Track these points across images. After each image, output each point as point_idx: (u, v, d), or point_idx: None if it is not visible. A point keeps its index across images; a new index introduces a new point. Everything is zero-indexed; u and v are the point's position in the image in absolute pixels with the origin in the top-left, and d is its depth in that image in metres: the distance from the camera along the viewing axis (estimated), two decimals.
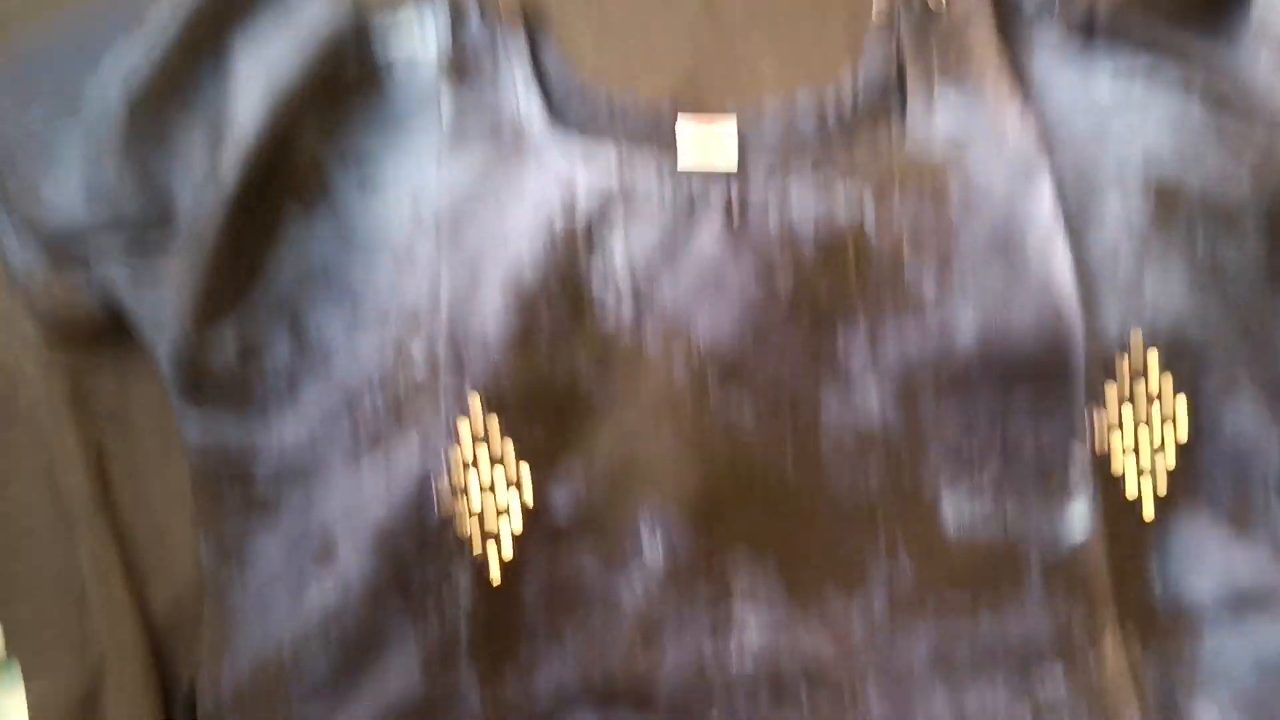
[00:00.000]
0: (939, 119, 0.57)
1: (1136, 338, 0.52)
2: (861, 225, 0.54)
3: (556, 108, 0.59)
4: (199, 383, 0.53)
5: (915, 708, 0.51)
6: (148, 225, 0.54)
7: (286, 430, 0.53)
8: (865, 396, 0.53)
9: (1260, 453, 0.53)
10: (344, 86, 0.57)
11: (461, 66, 0.58)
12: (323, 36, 0.55)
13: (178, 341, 0.53)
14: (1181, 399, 0.53)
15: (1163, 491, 0.53)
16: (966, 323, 0.52)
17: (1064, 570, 0.52)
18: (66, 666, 0.54)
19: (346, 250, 0.56)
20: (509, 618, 0.51)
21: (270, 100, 0.54)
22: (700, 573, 0.52)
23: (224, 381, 0.54)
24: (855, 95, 0.60)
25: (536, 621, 0.52)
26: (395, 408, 0.52)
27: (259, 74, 0.55)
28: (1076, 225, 0.54)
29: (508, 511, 0.52)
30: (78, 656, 0.54)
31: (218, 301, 0.54)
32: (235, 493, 0.53)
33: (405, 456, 0.52)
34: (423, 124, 0.58)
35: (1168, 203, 0.54)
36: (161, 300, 0.54)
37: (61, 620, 0.54)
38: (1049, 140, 0.55)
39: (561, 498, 0.52)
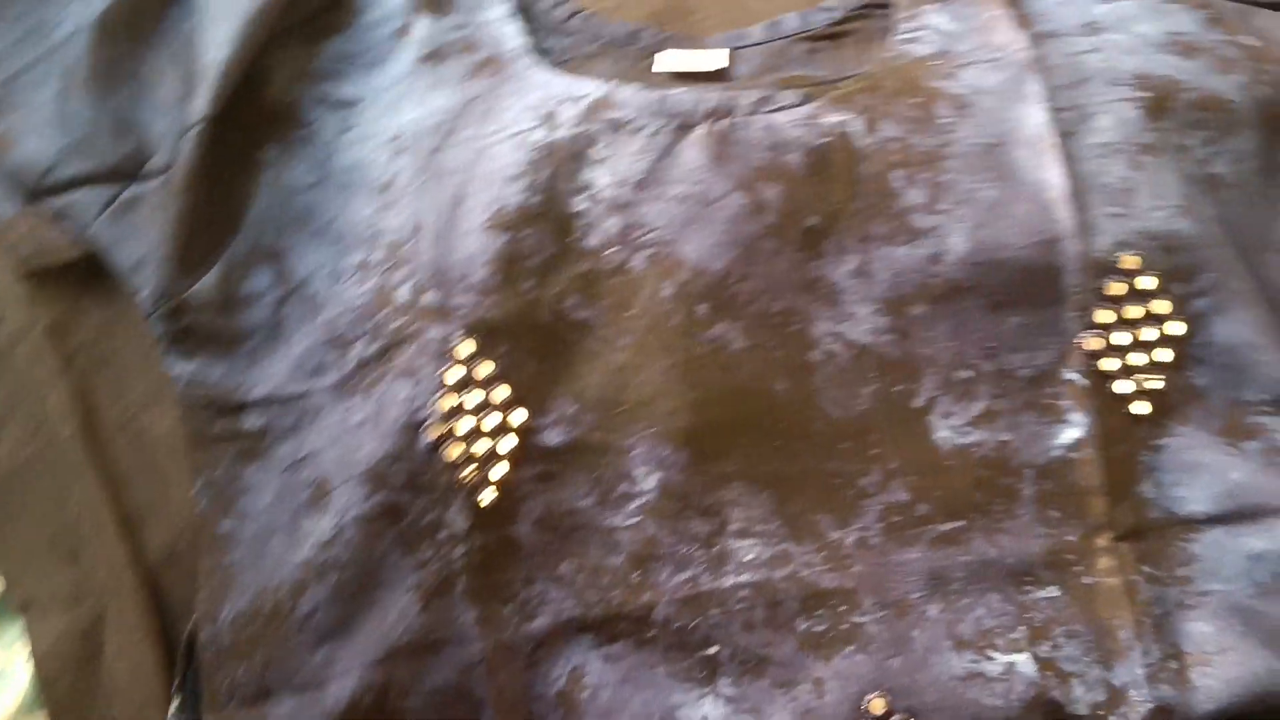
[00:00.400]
0: (927, 31, 0.56)
1: (1131, 262, 0.51)
2: (849, 134, 0.53)
3: (537, 35, 0.58)
4: (185, 329, 0.53)
5: (911, 629, 0.51)
6: (124, 168, 0.54)
7: (274, 372, 0.53)
8: (856, 317, 0.52)
9: (1254, 365, 0.52)
10: (313, 6, 0.57)
11: None
12: None
13: (162, 288, 0.53)
14: (1178, 321, 0.52)
15: (1157, 410, 0.52)
16: (957, 236, 0.51)
17: (1057, 490, 0.51)
18: (65, 611, 0.54)
19: (327, 189, 0.55)
20: (504, 554, 0.51)
21: (238, 26, 0.53)
22: (694, 507, 0.51)
23: (209, 326, 0.53)
24: (843, 16, 0.59)
25: (532, 557, 0.51)
26: (382, 346, 0.52)
27: (226, 2, 0.54)
28: (1068, 129, 0.53)
29: (499, 449, 0.51)
30: (76, 601, 0.54)
31: (199, 247, 0.54)
32: (227, 438, 0.53)
33: (393, 395, 0.51)
34: (397, 55, 0.57)
35: (1160, 105, 0.53)
36: (143, 248, 0.53)
37: (58, 566, 0.55)
38: (1040, 50, 0.54)
39: (553, 433, 0.51)
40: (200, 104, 0.52)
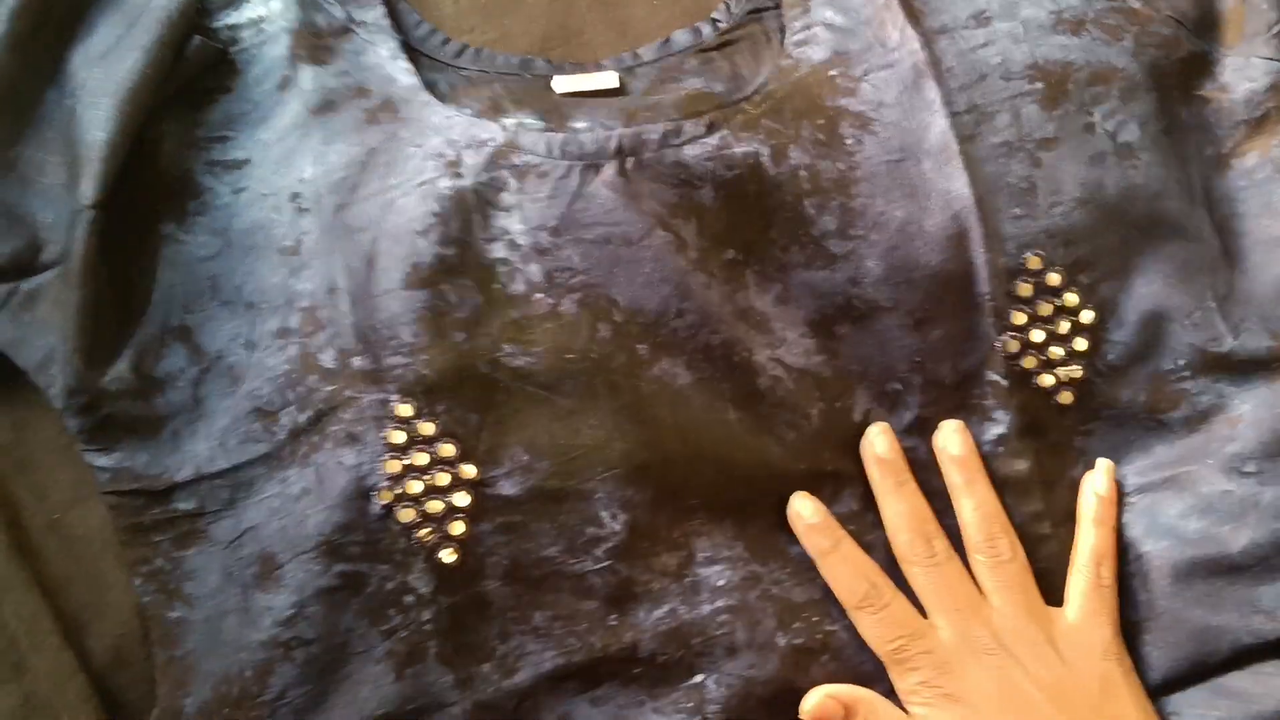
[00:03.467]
0: (818, 29, 0.57)
1: (1035, 262, 0.53)
2: (758, 165, 0.53)
3: (427, 75, 0.57)
4: (102, 420, 0.51)
5: None
6: (16, 263, 0.51)
7: (199, 450, 0.52)
8: (788, 341, 0.53)
9: (1167, 335, 0.54)
10: (193, 71, 0.54)
11: (318, 45, 0.56)
12: (158, 18, 0.52)
13: (72, 383, 0.51)
14: (1088, 310, 0.54)
15: (1081, 397, 0.54)
16: (872, 260, 0.53)
17: (996, 485, 0.54)
18: None
19: (230, 256, 0.53)
20: (475, 613, 0.51)
21: (118, 103, 0.51)
22: (662, 542, 0.52)
23: (127, 414, 0.51)
24: (732, 25, 0.59)
25: (504, 612, 0.51)
26: (315, 414, 0.51)
27: (101, 78, 0.51)
28: (969, 133, 0.54)
29: (454, 506, 0.51)
30: (27, 717, 0.52)
31: (106, 335, 0.52)
32: (161, 525, 0.51)
33: (337, 463, 0.50)
34: (283, 109, 0.55)
35: (1055, 92, 0.54)
36: (47, 343, 0.51)
37: (3, 684, 0.52)
38: (934, 50, 0.55)
39: (508, 484, 0.51)
40: (88, 189, 0.50)
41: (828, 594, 0.53)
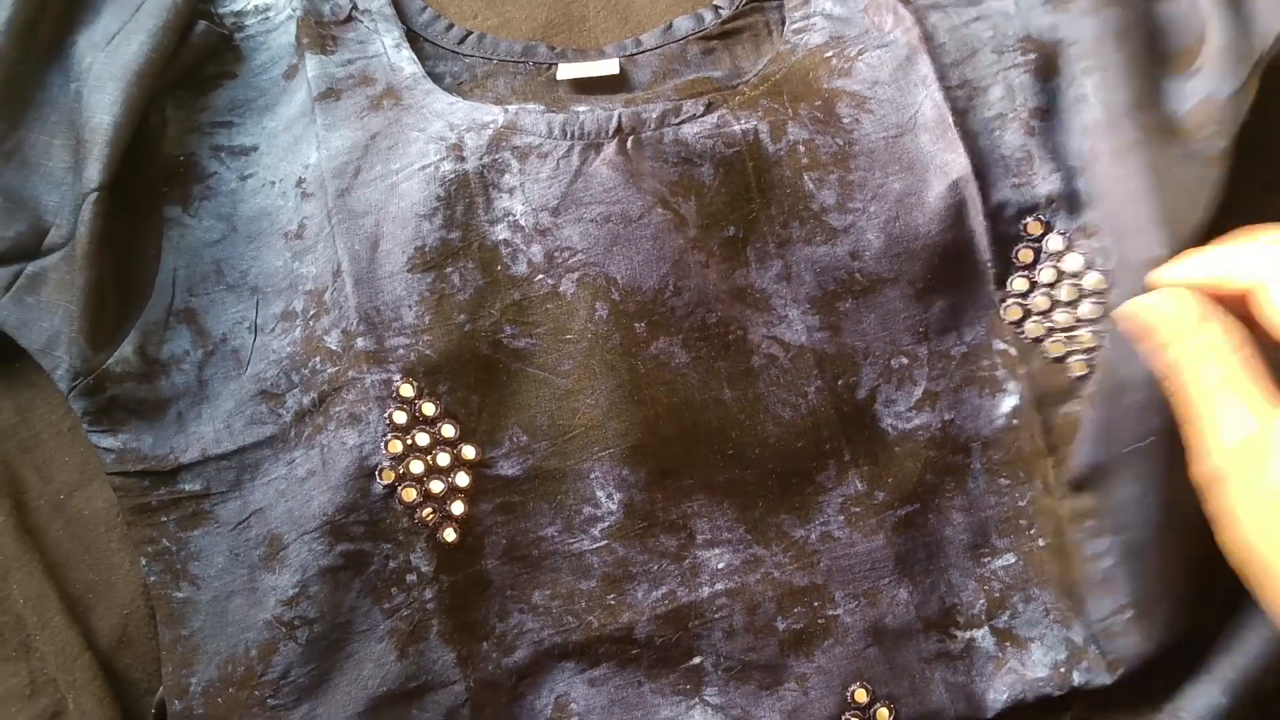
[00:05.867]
0: (817, 19, 0.57)
1: (1035, 228, 0.53)
2: (756, 142, 0.53)
3: (430, 62, 0.58)
4: (106, 405, 0.52)
5: (883, 616, 0.52)
6: (21, 246, 0.52)
7: (205, 432, 0.52)
8: (789, 319, 0.53)
9: None
10: (197, 57, 0.55)
11: (324, 34, 0.56)
12: (163, 3, 0.53)
13: (76, 365, 0.51)
14: (1094, 273, 0.53)
15: (1087, 367, 0.53)
16: (873, 232, 0.52)
17: (1006, 458, 0.53)
18: (24, 707, 0.52)
19: (235, 241, 0.54)
20: (475, 591, 0.51)
21: (123, 87, 0.52)
22: (660, 523, 0.52)
23: (132, 396, 0.52)
24: (734, 12, 0.60)
25: (504, 590, 0.52)
26: (319, 395, 0.51)
27: (106, 62, 0.52)
28: (963, 106, 0.54)
29: (455, 486, 0.51)
30: (33, 695, 0.53)
31: (110, 318, 0.52)
32: (167, 505, 0.52)
33: (340, 443, 0.51)
34: (289, 97, 0.56)
35: (1049, 64, 0.54)
36: (52, 326, 0.51)
37: (10, 662, 0.53)
38: (927, 27, 0.55)
39: (507, 464, 0.51)
40: (93, 172, 0.51)
41: (830, 578, 0.52)
